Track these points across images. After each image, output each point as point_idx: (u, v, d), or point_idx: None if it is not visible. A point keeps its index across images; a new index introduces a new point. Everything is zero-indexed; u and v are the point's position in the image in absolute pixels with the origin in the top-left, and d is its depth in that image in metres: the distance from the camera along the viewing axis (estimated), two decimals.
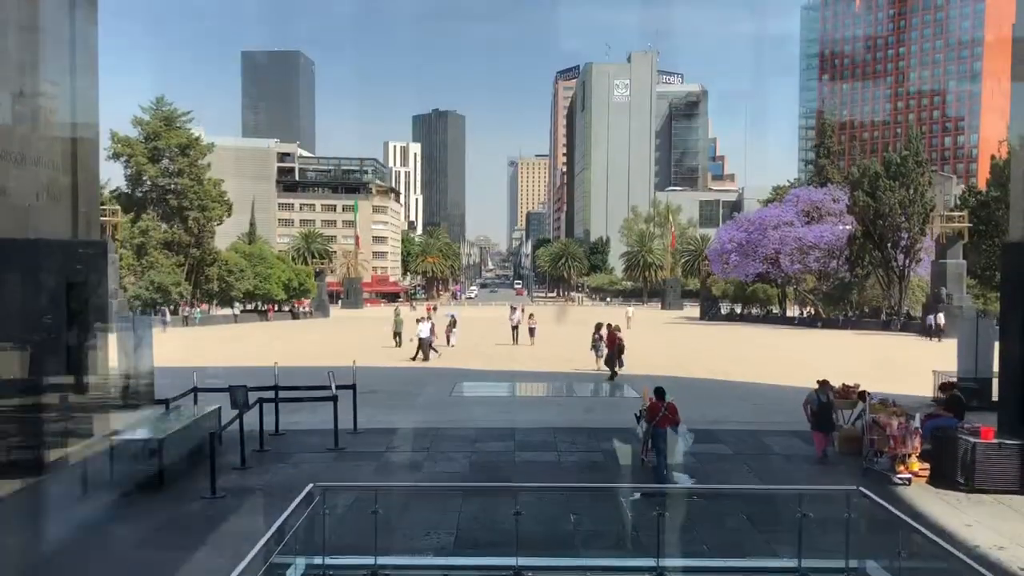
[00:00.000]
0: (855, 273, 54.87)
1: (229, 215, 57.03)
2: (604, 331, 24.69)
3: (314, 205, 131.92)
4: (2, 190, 11.87)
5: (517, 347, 31.30)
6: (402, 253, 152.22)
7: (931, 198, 50.20)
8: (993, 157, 53.30)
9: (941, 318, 37.63)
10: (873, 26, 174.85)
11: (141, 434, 11.52)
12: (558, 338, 36.68)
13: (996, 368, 16.90)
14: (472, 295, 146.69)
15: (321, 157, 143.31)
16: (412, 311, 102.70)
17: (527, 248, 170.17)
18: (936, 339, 36.69)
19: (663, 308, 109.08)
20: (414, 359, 26.93)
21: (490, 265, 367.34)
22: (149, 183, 52.97)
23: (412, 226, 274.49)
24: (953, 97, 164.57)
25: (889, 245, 50.20)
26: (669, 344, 37.62)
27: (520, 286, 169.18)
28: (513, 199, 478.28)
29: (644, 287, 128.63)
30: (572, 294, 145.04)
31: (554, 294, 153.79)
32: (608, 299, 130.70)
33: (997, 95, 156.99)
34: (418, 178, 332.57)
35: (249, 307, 66.78)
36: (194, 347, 32.97)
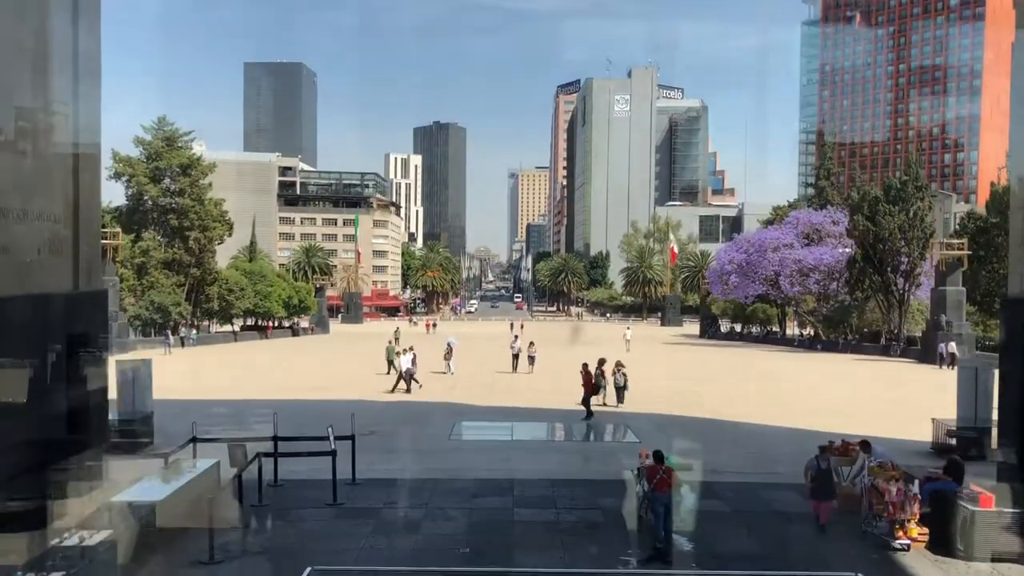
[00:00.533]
0: (855, 296, 54.93)
1: (230, 235, 57.14)
2: (606, 367, 24.72)
3: (315, 219, 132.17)
4: (3, 248, 11.85)
5: (516, 375, 31.25)
6: (402, 267, 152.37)
7: (931, 223, 50.28)
8: (993, 184, 53.38)
9: (953, 346, 37.63)
10: (873, 42, 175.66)
11: (138, 495, 11.51)
12: (558, 364, 36.65)
13: (995, 416, 16.96)
14: (472, 309, 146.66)
15: (323, 171, 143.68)
16: (412, 326, 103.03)
17: (527, 262, 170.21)
18: (949, 367, 36.68)
19: (663, 324, 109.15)
20: (392, 391, 26.62)
21: (490, 277, 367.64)
22: (150, 202, 53.09)
23: (412, 238, 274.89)
24: (953, 114, 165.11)
25: (889, 269, 50.24)
26: (669, 371, 37.60)
27: (520, 300, 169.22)
28: (513, 210, 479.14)
29: (644, 302, 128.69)
30: (572, 309, 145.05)
31: (554, 308, 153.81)
32: (608, 314, 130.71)
33: (996, 113, 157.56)
34: (419, 190, 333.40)
35: (249, 322, 66.76)
36: (193, 373, 32.95)
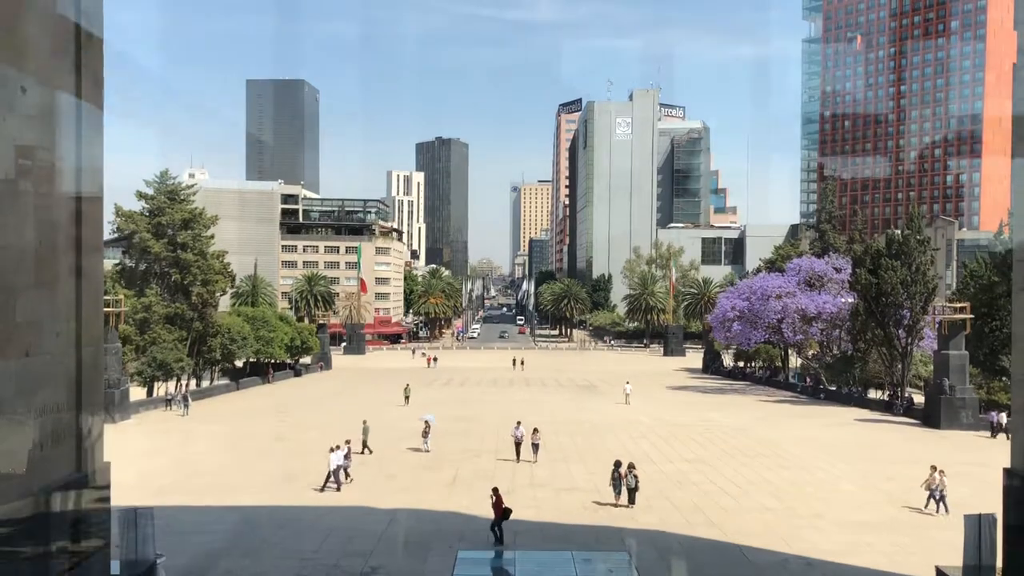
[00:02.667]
0: (857, 347, 54.91)
1: (232, 286, 57.20)
2: (624, 468, 24.57)
3: (318, 247, 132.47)
4: None
5: (519, 465, 30.82)
6: (405, 291, 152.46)
7: (933, 277, 50.27)
8: (994, 252, 53.22)
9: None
10: (874, 63, 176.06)
11: None
12: (565, 448, 36.47)
13: (1000, 563, 16.87)
14: (474, 334, 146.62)
15: (325, 199, 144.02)
16: (412, 358, 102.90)
17: (530, 286, 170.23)
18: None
19: (665, 354, 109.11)
20: (322, 489, 26.20)
21: (492, 292, 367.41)
22: (152, 257, 53.20)
23: (415, 255, 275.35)
24: (954, 135, 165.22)
25: (891, 323, 50.20)
26: (668, 441, 37.38)
27: (522, 323, 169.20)
28: (516, 224, 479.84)
29: (647, 329, 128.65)
30: (575, 333, 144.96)
31: (556, 332, 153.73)
32: (611, 341, 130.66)
33: (998, 134, 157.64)
34: (421, 206, 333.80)
35: (252, 357, 66.47)
36: (184, 462, 32.66)
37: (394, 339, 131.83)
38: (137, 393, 51.03)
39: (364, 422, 33.45)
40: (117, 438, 30.87)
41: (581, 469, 30.45)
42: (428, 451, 32.51)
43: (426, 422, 33.70)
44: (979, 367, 45.17)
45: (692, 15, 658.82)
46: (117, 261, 56.13)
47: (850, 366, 54.95)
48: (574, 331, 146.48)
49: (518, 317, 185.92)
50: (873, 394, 57.30)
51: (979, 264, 52.68)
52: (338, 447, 27.26)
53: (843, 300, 56.07)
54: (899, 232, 51.70)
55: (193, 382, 57.61)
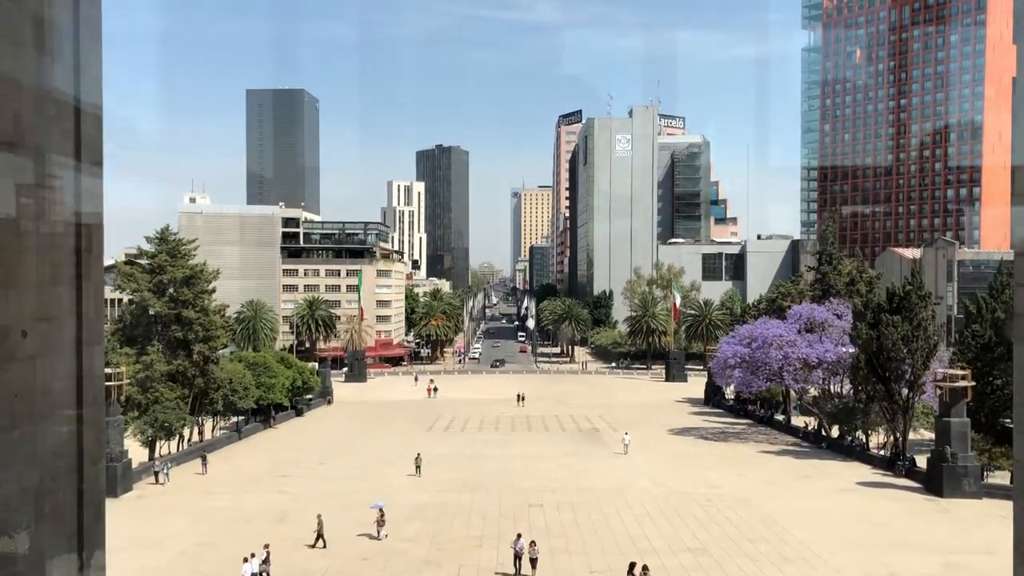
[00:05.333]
0: (859, 398, 54.86)
1: (233, 341, 57.19)
2: (638, 570, 24.51)
3: (319, 270, 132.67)
4: None
5: None
6: (406, 309, 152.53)
7: (933, 332, 50.21)
8: (994, 293, 53.26)
9: None
10: (874, 76, 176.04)
11: None
12: (567, 530, 36.40)
13: None
14: (476, 355, 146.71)
15: (326, 221, 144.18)
16: (414, 385, 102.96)
17: (531, 305, 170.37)
18: None
19: (667, 379, 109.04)
20: None
21: (493, 299, 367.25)
22: (153, 314, 53.24)
23: (416, 264, 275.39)
24: (955, 150, 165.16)
25: (892, 379, 50.11)
26: (664, 514, 37.35)
27: (524, 340, 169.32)
28: (517, 228, 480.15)
29: (648, 350, 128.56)
30: (577, 351, 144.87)
31: (558, 350, 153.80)
32: (613, 364, 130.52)
33: (998, 149, 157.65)
34: (422, 216, 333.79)
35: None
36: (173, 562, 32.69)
37: (395, 362, 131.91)
38: (137, 450, 51.24)
39: (319, 516, 33.09)
40: (113, 520, 30.80)
41: (584, 567, 30.37)
42: (381, 539, 32.52)
43: (380, 510, 33.46)
44: (980, 430, 45.13)
45: (692, 18, 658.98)
46: (118, 318, 56.22)
47: (852, 417, 54.92)
48: (575, 349, 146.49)
49: (519, 333, 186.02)
50: (875, 437, 57.40)
51: (979, 319, 52.56)
52: (252, 555, 26.94)
53: (844, 350, 56.02)
54: (900, 286, 51.63)
55: (196, 434, 57.63)
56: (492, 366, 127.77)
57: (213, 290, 56.50)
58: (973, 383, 42.07)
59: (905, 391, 49.96)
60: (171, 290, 53.13)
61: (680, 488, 43.96)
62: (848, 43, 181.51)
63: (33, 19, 4.37)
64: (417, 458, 44.08)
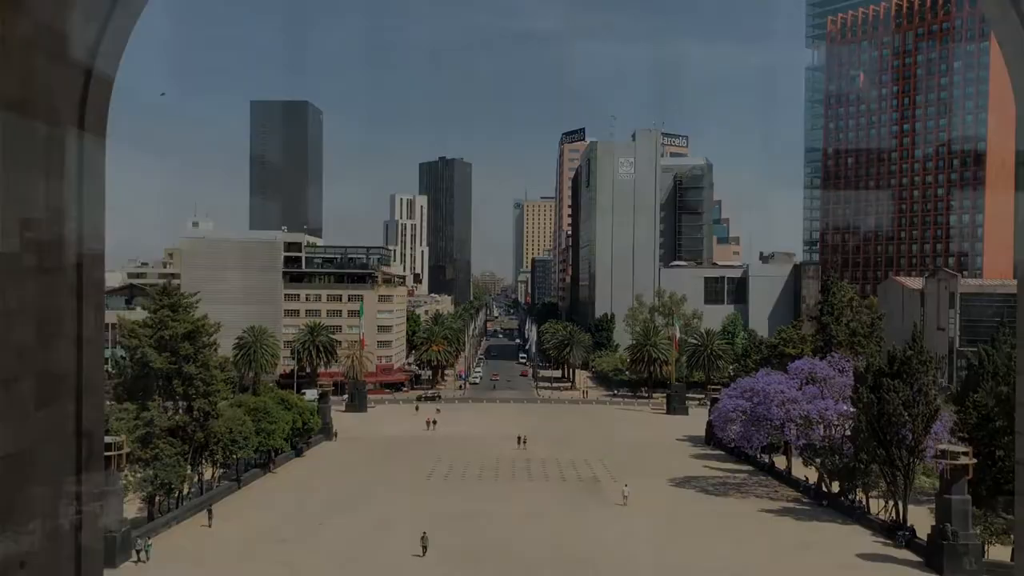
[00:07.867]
0: (859, 458, 54.71)
1: (233, 394, 57.19)
2: None
3: (320, 295, 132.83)
4: None
5: None
6: (407, 331, 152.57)
7: (935, 397, 50.12)
8: (988, 360, 53.19)
9: None
10: (877, 102, 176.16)
11: None
12: None
13: None
14: (476, 379, 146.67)
15: (328, 245, 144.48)
16: (415, 414, 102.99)
17: (532, 331, 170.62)
18: None
19: (668, 411, 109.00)
20: None
21: (495, 312, 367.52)
22: (154, 371, 53.22)
23: (417, 278, 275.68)
24: (957, 176, 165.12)
25: (893, 443, 49.98)
26: None
27: (525, 362, 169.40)
28: (519, 239, 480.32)
29: (648, 379, 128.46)
30: (578, 375, 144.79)
31: (559, 373, 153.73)
32: (615, 392, 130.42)
33: (1002, 175, 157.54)
34: (425, 229, 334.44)
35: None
36: None
37: (396, 387, 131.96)
38: (134, 504, 51.29)
39: None
40: None
41: None
42: None
43: None
44: (980, 505, 44.94)
45: (698, 32, 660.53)
46: (117, 371, 56.21)
47: (853, 476, 54.81)
48: (577, 373, 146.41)
49: (520, 355, 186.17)
50: (876, 502, 57.15)
51: (982, 374, 52.45)
52: None
53: (845, 408, 55.95)
54: (901, 350, 51.56)
55: (196, 480, 57.53)
56: (494, 388, 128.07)
57: (215, 343, 56.50)
58: (974, 460, 41.95)
59: (906, 455, 49.86)
60: (172, 346, 53.04)
61: (680, 561, 43.86)
62: (852, 66, 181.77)
63: None
64: (423, 538, 43.55)
